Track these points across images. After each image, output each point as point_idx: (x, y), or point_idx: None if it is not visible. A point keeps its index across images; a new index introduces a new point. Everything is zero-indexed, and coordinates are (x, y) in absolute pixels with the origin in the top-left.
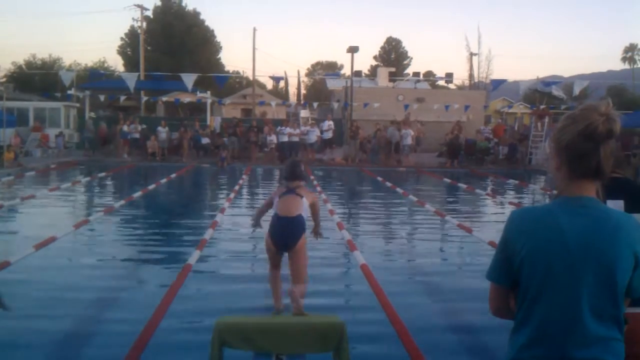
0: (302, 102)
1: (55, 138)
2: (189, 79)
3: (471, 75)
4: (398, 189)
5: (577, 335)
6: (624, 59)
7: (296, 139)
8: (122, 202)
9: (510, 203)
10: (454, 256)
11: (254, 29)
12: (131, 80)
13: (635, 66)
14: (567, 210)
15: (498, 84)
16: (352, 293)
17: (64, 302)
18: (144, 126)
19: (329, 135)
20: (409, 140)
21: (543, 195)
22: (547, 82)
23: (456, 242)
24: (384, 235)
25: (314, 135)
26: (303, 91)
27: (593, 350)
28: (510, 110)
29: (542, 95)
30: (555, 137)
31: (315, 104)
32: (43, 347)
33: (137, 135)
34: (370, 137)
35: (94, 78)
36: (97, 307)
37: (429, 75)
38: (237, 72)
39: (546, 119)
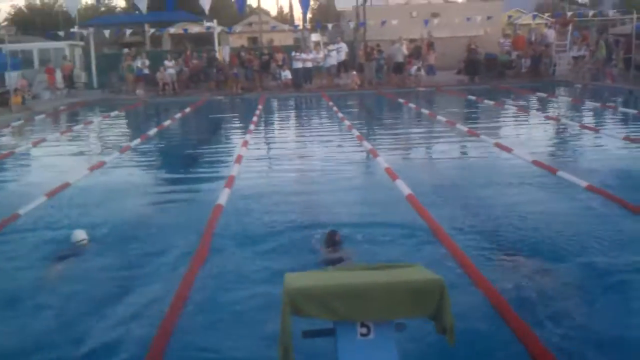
0: (311, 25)
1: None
2: (205, 1)
3: None
4: (423, 110)
5: None
6: None
7: (310, 64)
8: (138, 140)
9: (547, 117)
10: (501, 180)
11: None
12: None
13: None
14: None
15: None
16: (405, 232)
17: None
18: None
19: (340, 57)
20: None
21: (573, 106)
22: None
23: (500, 163)
24: (424, 162)
25: (331, 60)
26: (309, 15)
27: None
28: (523, 22)
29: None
30: None
31: (329, 26)
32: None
33: (146, 71)
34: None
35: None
36: (121, 258)
37: None
38: None
39: (569, 28)
